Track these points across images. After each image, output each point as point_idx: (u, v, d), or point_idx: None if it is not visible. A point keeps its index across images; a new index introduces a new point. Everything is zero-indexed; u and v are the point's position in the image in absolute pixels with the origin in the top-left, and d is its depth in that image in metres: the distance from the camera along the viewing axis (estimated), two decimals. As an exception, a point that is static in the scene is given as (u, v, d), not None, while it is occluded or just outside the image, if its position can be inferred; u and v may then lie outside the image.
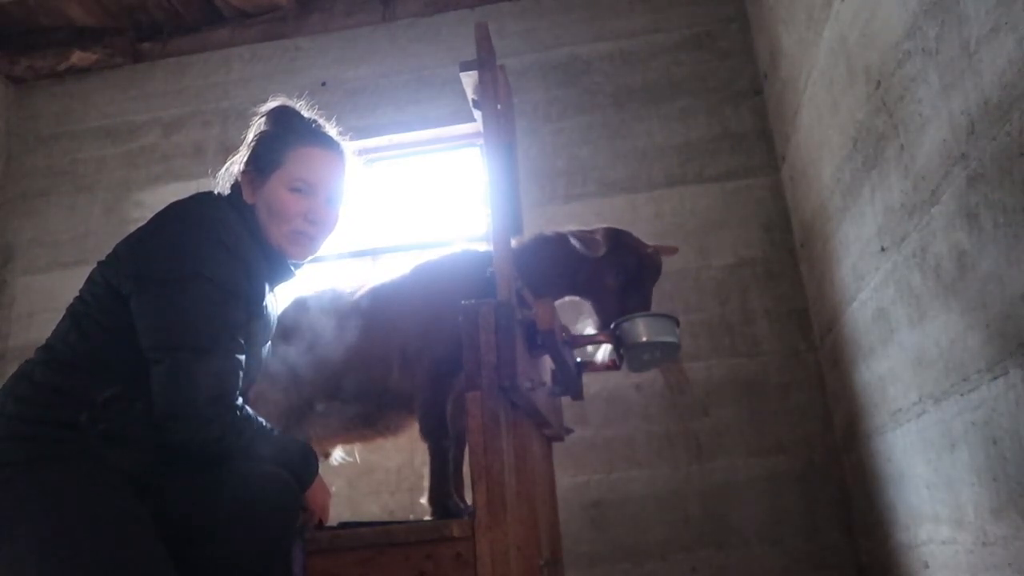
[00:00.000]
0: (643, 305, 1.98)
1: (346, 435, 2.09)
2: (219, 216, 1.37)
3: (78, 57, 3.83)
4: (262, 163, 1.47)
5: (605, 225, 2.09)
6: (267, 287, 1.44)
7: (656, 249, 2.08)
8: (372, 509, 3.00)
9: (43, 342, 1.34)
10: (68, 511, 1.15)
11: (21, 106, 3.94)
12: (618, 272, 1.99)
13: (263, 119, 1.53)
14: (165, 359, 1.24)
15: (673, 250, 2.20)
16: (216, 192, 1.48)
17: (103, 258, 1.37)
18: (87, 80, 3.92)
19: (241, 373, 1.31)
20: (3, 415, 1.24)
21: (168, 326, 1.25)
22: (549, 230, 2.13)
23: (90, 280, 1.35)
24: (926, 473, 2.11)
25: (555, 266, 2.04)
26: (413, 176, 3.69)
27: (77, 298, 1.35)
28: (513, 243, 1.87)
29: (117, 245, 1.36)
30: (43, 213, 3.71)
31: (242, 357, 1.31)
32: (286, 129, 1.50)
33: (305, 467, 1.38)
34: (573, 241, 1.97)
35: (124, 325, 1.28)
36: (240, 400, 1.31)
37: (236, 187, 1.49)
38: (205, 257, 1.29)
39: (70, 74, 3.91)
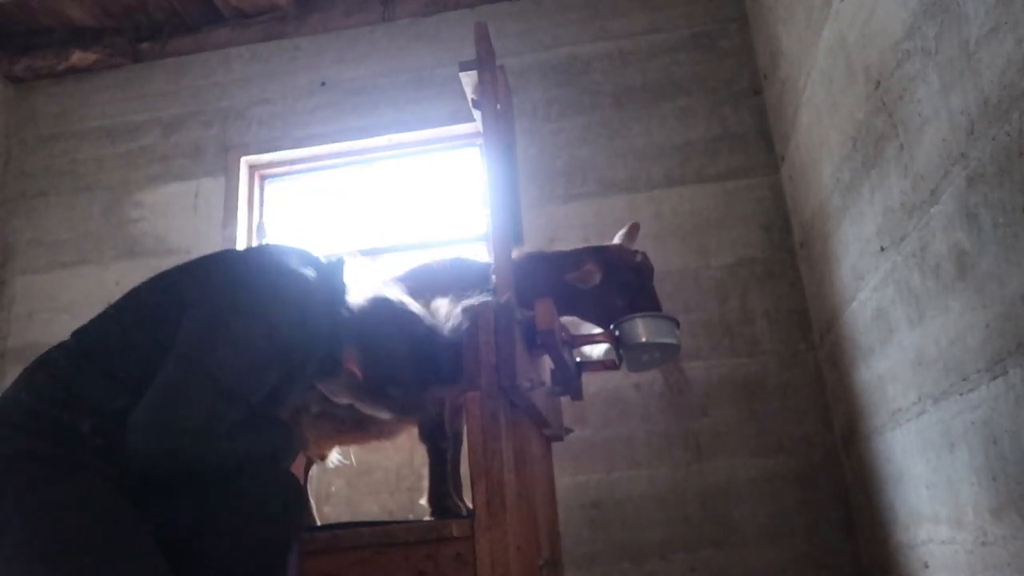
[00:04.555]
0: (656, 307, 2.00)
1: (340, 437, 2.08)
2: (314, 286, 1.39)
3: (78, 57, 3.83)
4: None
5: (584, 245, 2.08)
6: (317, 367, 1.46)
7: (636, 250, 2.08)
8: (371, 509, 3.00)
9: (61, 336, 1.31)
10: (66, 514, 1.13)
11: (21, 106, 3.93)
12: (623, 292, 1.98)
13: None
14: (177, 370, 1.20)
15: (636, 227, 2.21)
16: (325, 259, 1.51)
17: (181, 262, 1.37)
18: (87, 80, 3.91)
19: (230, 428, 1.25)
20: (15, 401, 1.22)
21: (205, 344, 1.22)
22: (540, 251, 2.10)
23: (157, 289, 1.34)
24: (926, 473, 2.11)
25: (552, 289, 1.95)
26: (413, 176, 3.69)
27: (133, 302, 1.33)
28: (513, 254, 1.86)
29: (208, 258, 1.37)
30: (42, 213, 3.71)
31: (246, 413, 1.27)
32: None
33: (287, 445, 1.39)
34: (568, 279, 1.94)
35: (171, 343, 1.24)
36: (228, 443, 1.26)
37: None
38: (281, 310, 1.29)
39: (70, 74, 3.91)
